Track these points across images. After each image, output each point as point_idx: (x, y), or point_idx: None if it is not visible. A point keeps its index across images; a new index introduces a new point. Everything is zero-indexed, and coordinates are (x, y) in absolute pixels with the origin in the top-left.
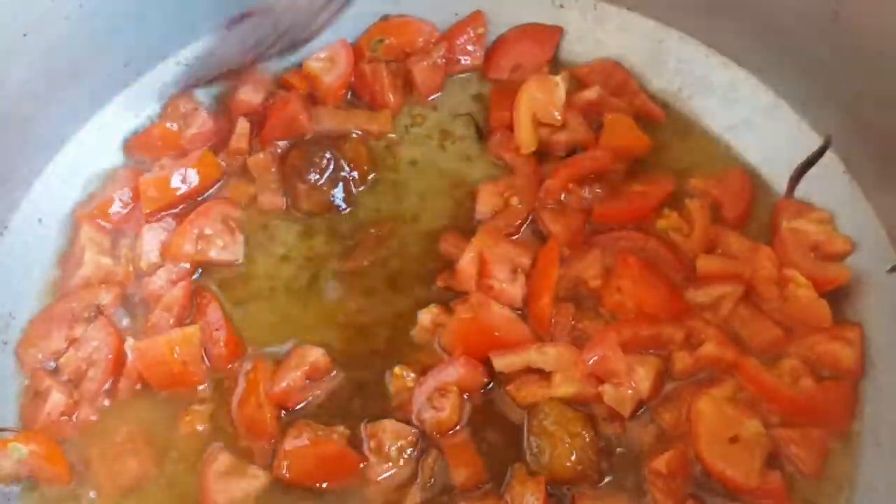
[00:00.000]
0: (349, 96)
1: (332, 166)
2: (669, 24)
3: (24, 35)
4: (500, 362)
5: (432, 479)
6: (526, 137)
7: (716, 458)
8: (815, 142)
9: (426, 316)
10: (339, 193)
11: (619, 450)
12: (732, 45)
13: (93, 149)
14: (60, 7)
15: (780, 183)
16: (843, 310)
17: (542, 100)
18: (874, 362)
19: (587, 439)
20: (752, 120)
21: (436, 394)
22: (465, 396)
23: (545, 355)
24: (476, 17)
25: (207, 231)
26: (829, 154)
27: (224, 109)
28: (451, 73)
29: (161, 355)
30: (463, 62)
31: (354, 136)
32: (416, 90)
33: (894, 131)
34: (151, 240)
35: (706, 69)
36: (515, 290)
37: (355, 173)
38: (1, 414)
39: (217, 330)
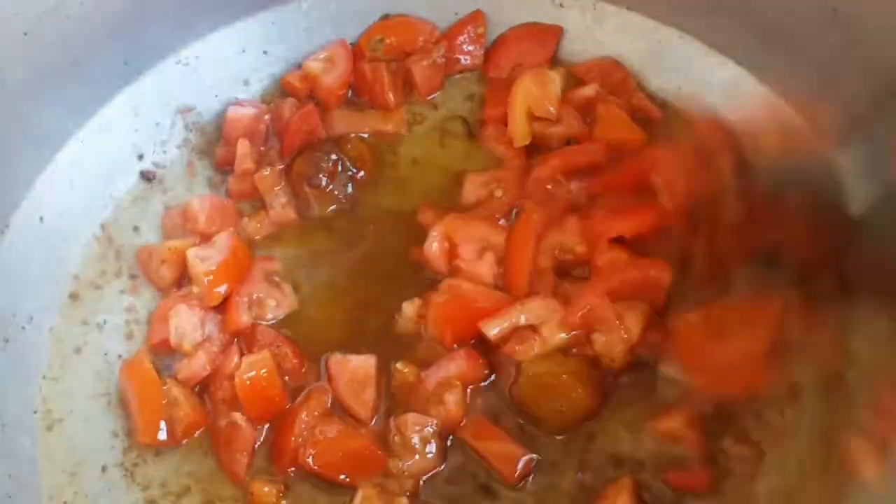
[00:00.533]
0: (349, 95)
1: (339, 168)
2: (669, 24)
3: (25, 34)
4: (490, 328)
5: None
6: (520, 130)
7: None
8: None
9: (409, 308)
10: (349, 193)
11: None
12: (731, 44)
13: (94, 147)
14: (61, 6)
15: None
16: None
17: (537, 94)
18: (873, 361)
19: (586, 375)
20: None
21: (440, 389)
22: (468, 390)
23: (529, 310)
24: (476, 17)
25: (256, 296)
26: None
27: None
28: (450, 73)
29: (257, 382)
30: (463, 62)
31: (353, 135)
32: (415, 89)
33: (894, 130)
34: (188, 321)
35: (705, 68)
36: (483, 269)
37: (362, 172)
38: (3, 413)
39: (279, 346)
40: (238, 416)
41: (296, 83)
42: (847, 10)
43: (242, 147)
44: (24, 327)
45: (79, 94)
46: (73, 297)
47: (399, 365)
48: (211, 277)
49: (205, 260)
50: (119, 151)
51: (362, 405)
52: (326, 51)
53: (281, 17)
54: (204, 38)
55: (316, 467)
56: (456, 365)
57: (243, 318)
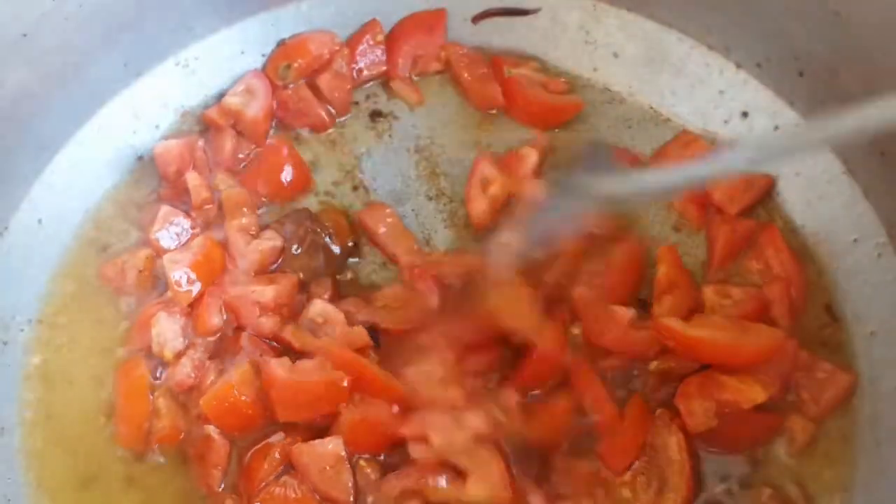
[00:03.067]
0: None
1: (308, 238)
2: (668, 25)
3: (24, 35)
4: (418, 451)
5: None
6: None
7: None
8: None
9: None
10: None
11: None
12: (731, 46)
13: (92, 149)
14: (60, 8)
15: (776, 182)
16: (841, 307)
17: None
18: (873, 361)
19: None
20: (751, 120)
21: (402, 498)
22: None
23: (463, 453)
24: (372, 25)
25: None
26: (829, 154)
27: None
28: (357, 85)
29: (230, 402)
30: (366, 72)
31: (331, 209)
32: (326, 103)
33: (894, 131)
34: (169, 328)
35: (704, 70)
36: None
37: (338, 248)
38: (1, 415)
39: (261, 354)
40: (211, 429)
41: (218, 119)
42: (847, 10)
43: (193, 179)
44: (22, 329)
45: (78, 96)
46: (72, 298)
47: (362, 462)
48: (181, 277)
49: (177, 262)
50: (118, 153)
51: (343, 490)
52: (241, 84)
53: (280, 19)
54: (203, 40)
55: None
56: (418, 475)
57: (214, 319)
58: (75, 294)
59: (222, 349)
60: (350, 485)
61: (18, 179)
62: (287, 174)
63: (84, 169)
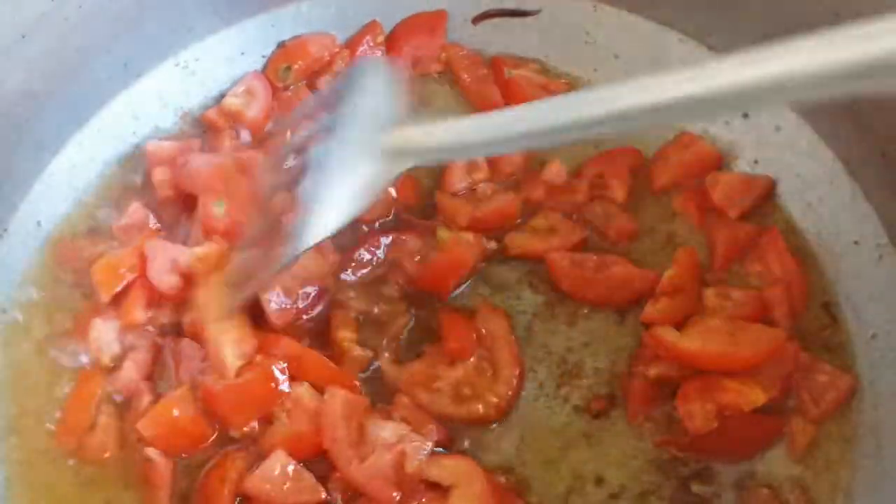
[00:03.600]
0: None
1: None
2: (668, 26)
3: (23, 36)
4: None
5: None
6: None
7: None
8: (814, 143)
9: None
10: None
11: None
12: (732, 47)
13: (92, 150)
14: (59, 8)
15: (776, 184)
16: (842, 309)
17: None
18: (874, 363)
19: None
20: (751, 121)
21: None
22: None
23: (442, 468)
24: (373, 26)
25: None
26: (829, 155)
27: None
28: None
29: (170, 422)
30: None
31: None
32: None
33: (895, 132)
34: (105, 333)
35: None
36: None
37: None
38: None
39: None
40: (152, 452)
41: (217, 119)
42: (847, 11)
43: (158, 174)
44: (23, 332)
45: (77, 97)
46: (73, 299)
47: None
48: (104, 266)
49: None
50: (118, 154)
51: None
52: (241, 85)
53: (280, 20)
54: (203, 41)
55: None
56: None
57: (138, 314)
58: (75, 296)
59: (160, 364)
60: (315, 482)
61: (18, 181)
62: None
63: (84, 170)
